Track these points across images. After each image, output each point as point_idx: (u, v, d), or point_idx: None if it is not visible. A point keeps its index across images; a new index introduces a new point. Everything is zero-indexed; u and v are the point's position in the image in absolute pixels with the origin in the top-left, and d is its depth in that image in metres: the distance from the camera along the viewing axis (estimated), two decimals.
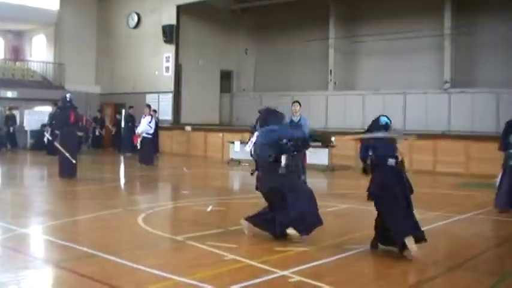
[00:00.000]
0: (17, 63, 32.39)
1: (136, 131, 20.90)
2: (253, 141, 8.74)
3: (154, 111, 23.67)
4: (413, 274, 6.98)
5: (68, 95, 16.71)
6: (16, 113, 28.60)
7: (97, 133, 29.81)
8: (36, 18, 31.56)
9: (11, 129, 27.64)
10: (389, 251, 7.61)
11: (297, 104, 15.05)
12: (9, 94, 28.34)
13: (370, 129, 8.44)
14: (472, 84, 24.70)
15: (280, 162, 8.34)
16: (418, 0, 26.33)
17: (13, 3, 29.78)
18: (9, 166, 21.01)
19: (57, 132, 16.64)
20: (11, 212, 10.94)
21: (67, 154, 15.49)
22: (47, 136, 21.90)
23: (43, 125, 26.05)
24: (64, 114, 16.37)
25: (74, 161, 15.76)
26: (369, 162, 8.13)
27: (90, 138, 29.55)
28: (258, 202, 11.84)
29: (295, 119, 15.10)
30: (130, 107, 27.54)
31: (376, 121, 8.37)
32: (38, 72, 31.92)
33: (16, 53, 33.83)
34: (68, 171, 15.67)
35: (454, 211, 11.31)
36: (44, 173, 18.91)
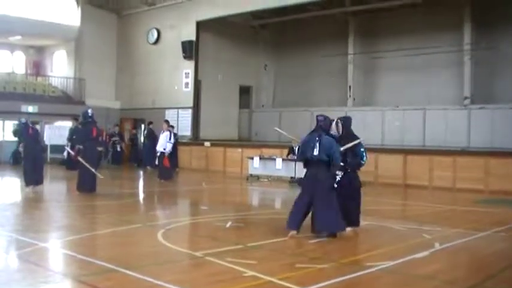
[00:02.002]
0: (38, 78, 32.66)
1: (157, 148, 21.01)
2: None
3: (172, 126, 23.76)
4: None
5: (89, 110, 16.83)
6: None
7: (118, 148, 29.57)
8: (57, 34, 31.88)
9: None
10: (408, 269, 7.58)
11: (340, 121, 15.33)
12: (30, 109, 28.56)
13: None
14: (492, 100, 24.56)
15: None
16: (438, 15, 26.29)
17: (34, 19, 30.08)
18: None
19: (80, 146, 16.82)
20: (32, 226, 10.98)
21: (92, 169, 15.68)
22: (67, 150, 22.02)
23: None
24: (86, 129, 16.56)
25: (99, 175, 16.02)
26: None
27: (110, 153, 29.58)
28: (277, 218, 11.87)
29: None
30: (150, 123, 27.67)
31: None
32: (58, 87, 32.15)
33: (37, 68, 34.11)
34: (88, 185, 15.79)
35: (473, 228, 11.21)
36: (64, 187, 19.01)
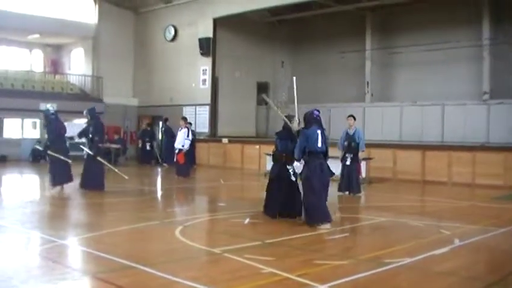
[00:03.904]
0: (56, 76, 32.82)
1: (175, 145, 21.03)
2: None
3: (190, 123, 23.77)
4: None
5: (96, 107, 16.87)
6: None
7: (147, 147, 28.76)
8: (74, 32, 32.00)
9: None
10: (428, 266, 7.52)
11: (352, 117, 15.89)
12: (49, 107, 28.68)
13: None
14: (511, 95, 24.32)
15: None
16: (456, 10, 26.07)
17: (52, 18, 30.24)
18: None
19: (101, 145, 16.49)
20: (50, 224, 11.04)
21: (110, 166, 15.46)
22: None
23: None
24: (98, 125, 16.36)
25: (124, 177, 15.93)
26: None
27: (127, 150, 29.63)
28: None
29: (351, 131, 15.72)
30: (166, 120, 27.75)
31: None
32: (76, 85, 32.31)
33: (55, 66, 34.28)
34: (93, 182, 15.70)
35: (493, 224, 11.10)
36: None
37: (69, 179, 15.63)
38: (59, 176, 15.42)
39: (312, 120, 10.86)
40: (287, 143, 11.47)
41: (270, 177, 11.79)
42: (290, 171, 11.24)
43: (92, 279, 6.81)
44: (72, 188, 15.74)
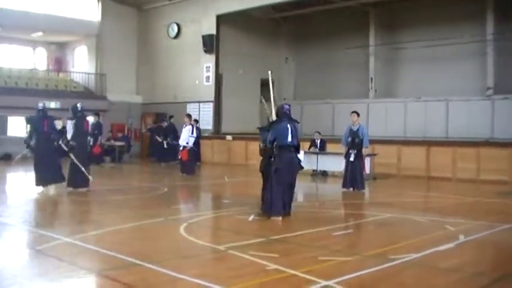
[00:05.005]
0: (60, 74, 32.84)
1: (180, 142, 21.02)
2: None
3: (196, 120, 23.72)
4: (458, 285, 6.77)
5: (78, 104, 16.25)
6: (59, 122, 28.91)
7: (165, 145, 26.39)
8: (77, 30, 32.05)
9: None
10: (433, 262, 7.52)
11: (355, 114, 16.09)
12: (53, 105, 28.69)
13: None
14: None
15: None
16: (459, 6, 25.99)
17: (55, 16, 30.27)
18: None
19: (72, 143, 15.59)
20: (54, 221, 11.07)
21: (81, 167, 15.01)
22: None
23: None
24: (79, 124, 15.84)
25: (88, 176, 15.19)
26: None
27: (131, 148, 29.56)
28: (299, 210, 11.85)
29: (354, 128, 15.75)
30: (171, 117, 27.62)
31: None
32: (80, 83, 32.32)
33: (59, 64, 34.31)
34: (79, 180, 15.19)
35: (498, 220, 11.10)
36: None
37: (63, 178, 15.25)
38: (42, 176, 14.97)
39: (282, 114, 11.24)
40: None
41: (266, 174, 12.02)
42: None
43: (97, 277, 6.81)
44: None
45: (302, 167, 11.48)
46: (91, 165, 20.10)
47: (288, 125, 10.99)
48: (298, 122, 11.63)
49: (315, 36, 31.68)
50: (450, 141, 22.17)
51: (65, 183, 15.02)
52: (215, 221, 11.68)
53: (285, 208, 10.96)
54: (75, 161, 15.10)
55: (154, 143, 27.95)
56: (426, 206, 14.57)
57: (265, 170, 11.87)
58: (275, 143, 11.00)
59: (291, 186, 11.18)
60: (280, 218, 10.66)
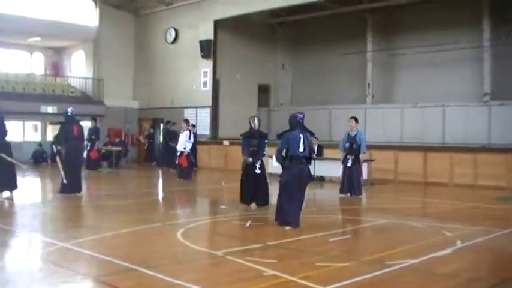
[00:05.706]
0: (57, 79, 32.79)
1: (177, 147, 20.99)
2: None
3: (193, 125, 23.65)
4: None
5: (69, 109, 15.93)
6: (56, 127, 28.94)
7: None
8: (75, 35, 32.01)
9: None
10: (431, 267, 7.51)
11: (353, 119, 16.06)
12: (50, 109, 28.72)
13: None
14: None
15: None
16: (456, 12, 26.05)
17: (52, 21, 30.22)
18: (50, 180, 21.20)
19: (59, 147, 15.62)
20: (52, 226, 11.05)
21: (62, 172, 14.98)
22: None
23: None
24: (67, 128, 15.47)
25: (65, 181, 15.01)
26: None
27: (129, 152, 29.51)
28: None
29: (352, 133, 15.77)
30: (168, 122, 27.42)
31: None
32: (77, 88, 32.27)
33: (56, 69, 34.24)
34: (72, 186, 15.11)
35: (496, 225, 11.08)
36: (83, 187, 19.02)
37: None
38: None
39: (295, 123, 10.79)
40: (250, 141, 13.52)
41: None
42: (256, 165, 13.44)
43: (94, 282, 6.80)
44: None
45: (312, 179, 11.36)
46: (88, 171, 20.11)
47: (301, 135, 10.56)
48: (313, 134, 11.21)
49: (312, 42, 31.72)
50: (447, 147, 22.18)
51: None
52: (212, 226, 11.67)
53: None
54: (60, 166, 15.11)
55: (153, 148, 28.01)
56: (423, 212, 14.57)
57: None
58: (287, 153, 10.60)
59: (300, 200, 10.66)
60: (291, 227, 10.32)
